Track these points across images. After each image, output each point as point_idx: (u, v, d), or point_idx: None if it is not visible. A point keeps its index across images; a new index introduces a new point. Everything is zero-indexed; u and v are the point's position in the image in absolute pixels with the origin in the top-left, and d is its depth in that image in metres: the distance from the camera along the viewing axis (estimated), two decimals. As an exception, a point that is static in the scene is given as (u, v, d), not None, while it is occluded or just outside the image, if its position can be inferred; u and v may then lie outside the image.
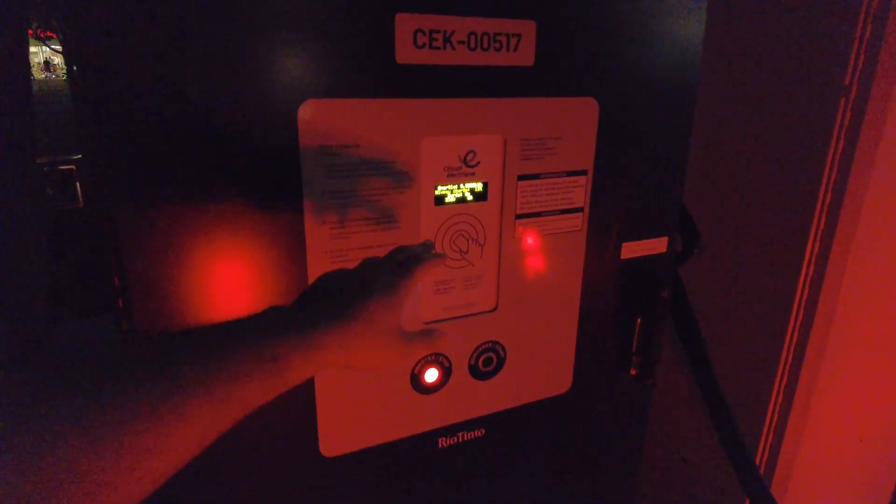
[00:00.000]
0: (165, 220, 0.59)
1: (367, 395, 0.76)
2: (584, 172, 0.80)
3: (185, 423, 0.34)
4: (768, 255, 1.09)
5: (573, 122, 0.76)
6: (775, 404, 1.16)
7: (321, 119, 0.62)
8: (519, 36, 0.68)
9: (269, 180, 0.62)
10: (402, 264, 0.54)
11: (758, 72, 1.05)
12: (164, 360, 0.36)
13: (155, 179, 0.57)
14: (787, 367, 1.13)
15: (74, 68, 0.53)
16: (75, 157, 0.73)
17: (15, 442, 0.28)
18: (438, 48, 0.65)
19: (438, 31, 0.64)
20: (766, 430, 1.18)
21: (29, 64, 0.66)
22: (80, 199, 0.78)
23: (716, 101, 1.11)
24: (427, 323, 0.76)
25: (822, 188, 1.01)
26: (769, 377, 1.13)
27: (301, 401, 0.72)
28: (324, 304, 0.46)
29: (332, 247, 0.67)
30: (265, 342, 0.39)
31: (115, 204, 0.57)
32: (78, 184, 0.76)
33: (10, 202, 0.70)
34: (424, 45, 0.64)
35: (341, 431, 0.75)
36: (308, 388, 0.72)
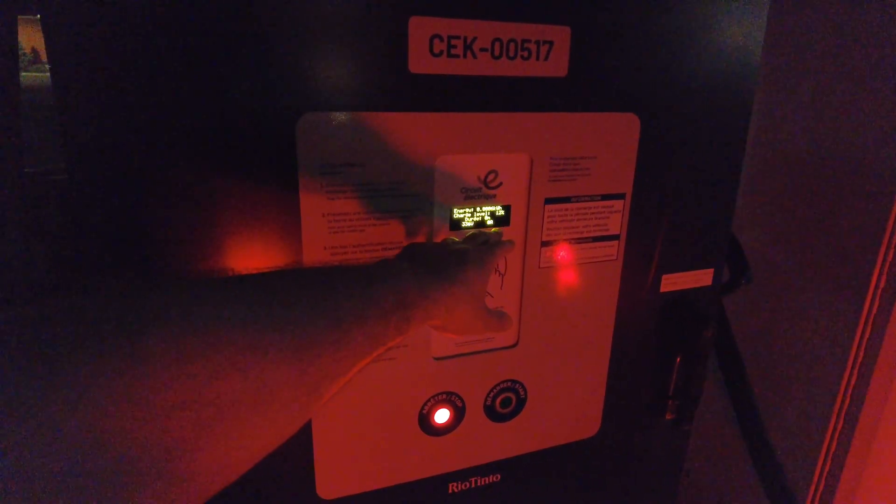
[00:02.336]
0: (156, 230, 0.54)
1: (370, 435, 0.69)
2: (621, 196, 0.71)
3: (345, 352, 0.35)
4: (824, 289, 0.98)
5: (610, 140, 0.68)
6: (827, 454, 1.05)
7: (322, 134, 0.55)
8: (551, 43, 0.60)
9: (264, 200, 0.56)
10: (485, 243, 0.58)
11: (823, 82, 0.94)
12: (324, 292, 0.36)
13: (142, 189, 0.53)
14: (843, 414, 1.01)
15: (62, 79, 0.48)
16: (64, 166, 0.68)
17: (199, 361, 0.27)
18: (458, 56, 0.57)
19: (458, 38, 0.57)
20: (815, 480, 1.07)
21: (18, 64, 0.62)
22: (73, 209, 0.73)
23: (771, 114, 1.01)
24: (438, 359, 0.69)
25: (892, 218, 0.90)
26: (822, 424, 1.02)
27: (298, 438, 0.65)
28: (429, 267, 0.47)
29: (333, 274, 0.60)
30: (403, 286, 0.41)
31: (106, 214, 0.52)
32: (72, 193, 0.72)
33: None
34: (442, 52, 0.56)
35: (341, 472, 0.69)
36: (305, 424, 0.65)
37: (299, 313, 0.33)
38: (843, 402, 0.98)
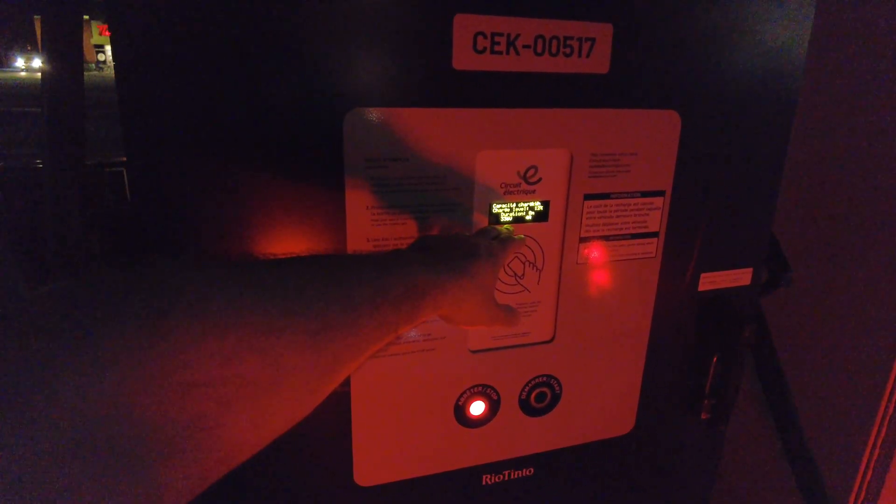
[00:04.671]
0: (207, 220, 0.56)
1: (407, 425, 0.70)
2: (661, 193, 0.71)
3: (357, 338, 0.36)
4: (868, 290, 0.96)
5: (651, 137, 0.68)
6: (868, 462, 1.02)
7: (369, 129, 0.57)
8: (593, 40, 0.61)
9: (312, 192, 0.58)
10: (496, 238, 0.58)
11: (866, 80, 0.92)
12: (337, 279, 0.37)
13: (195, 181, 0.55)
14: (887, 420, 0.99)
15: (124, 70, 0.51)
16: (122, 160, 0.72)
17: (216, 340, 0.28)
18: (501, 53, 0.58)
19: (501, 35, 0.57)
20: (856, 488, 1.04)
21: (82, 65, 0.65)
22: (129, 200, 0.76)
23: (812, 112, 0.99)
24: (474, 352, 0.70)
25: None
26: (864, 430, 1.00)
27: (337, 427, 0.67)
28: (440, 258, 0.48)
29: (375, 266, 0.62)
30: (414, 276, 0.42)
31: (160, 205, 0.55)
32: (126, 185, 0.75)
33: (60, 204, 0.69)
34: (485, 49, 0.57)
35: (378, 461, 0.70)
36: (344, 413, 0.67)
37: (314, 298, 0.33)
38: (886, 407, 0.96)
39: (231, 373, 0.27)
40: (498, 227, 0.64)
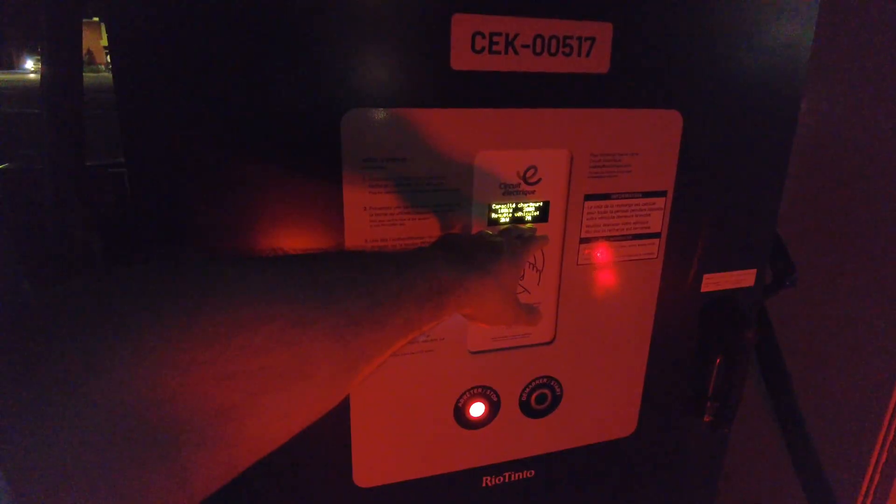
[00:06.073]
0: (206, 222, 0.56)
1: (407, 426, 0.70)
2: (662, 193, 0.70)
3: (382, 333, 0.36)
4: (874, 289, 0.95)
5: (652, 137, 0.67)
6: (877, 463, 1.01)
7: (366, 130, 0.56)
8: (592, 40, 0.60)
9: (310, 193, 0.57)
10: (519, 237, 0.58)
11: (870, 80, 0.91)
12: (364, 275, 0.37)
13: (194, 182, 0.55)
14: (895, 423, 0.98)
15: (122, 71, 0.51)
16: (122, 161, 0.72)
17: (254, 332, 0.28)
18: (499, 53, 0.58)
19: (500, 34, 0.57)
20: (863, 492, 1.03)
21: (81, 66, 0.65)
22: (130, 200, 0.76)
23: (817, 112, 0.98)
24: (474, 353, 0.70)
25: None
26: (871, 433, 0.98)
27: (336, 428, 0.67)
28: (463, 256, 0.48)
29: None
30: (437, 273, 0.42)
31: (160, 206, 0.55)
32: (128, 187, 0.75)
33: (60, 205, 0.69)
34: (483, 49, 0.57)
35: (377, 462, 0.70)
36: (343, 414, 0.67)
37: (342, 294, 0.34)
38: (895, 410, 0.95)
39: (260, 365, 0.28)
40: (521, 226, 0.64)
